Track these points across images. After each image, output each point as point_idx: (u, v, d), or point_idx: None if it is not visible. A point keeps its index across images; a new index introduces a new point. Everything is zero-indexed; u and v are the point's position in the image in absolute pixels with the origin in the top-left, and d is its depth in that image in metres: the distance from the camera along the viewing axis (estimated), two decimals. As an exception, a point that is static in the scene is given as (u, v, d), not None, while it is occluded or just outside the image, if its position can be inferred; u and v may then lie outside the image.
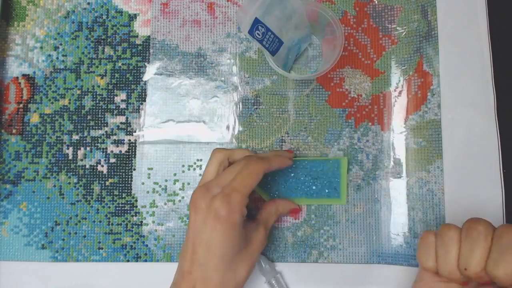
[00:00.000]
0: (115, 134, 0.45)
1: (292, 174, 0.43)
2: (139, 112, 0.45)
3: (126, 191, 0.44)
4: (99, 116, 0.45)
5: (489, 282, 0.29)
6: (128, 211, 0.44)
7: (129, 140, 0.45)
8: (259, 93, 0.45)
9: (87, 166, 0.45)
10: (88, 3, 0.47)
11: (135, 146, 0.45)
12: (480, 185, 0.41)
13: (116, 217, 0.44)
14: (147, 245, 0.44)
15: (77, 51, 0.46)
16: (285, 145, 0.45)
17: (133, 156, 0.45)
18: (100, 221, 0.44)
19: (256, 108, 0.45)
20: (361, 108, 0.45)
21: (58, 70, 0.46)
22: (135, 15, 0.46)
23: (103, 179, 0.45)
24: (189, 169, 0.45)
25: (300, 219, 0.44)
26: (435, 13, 0.44)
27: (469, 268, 0.28)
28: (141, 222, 0.44)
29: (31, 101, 0.45)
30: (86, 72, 0.46)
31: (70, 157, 0.45)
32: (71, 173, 0.45)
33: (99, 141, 0.45)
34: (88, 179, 0.45)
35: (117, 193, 0.45)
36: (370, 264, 0.43)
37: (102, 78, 0.46)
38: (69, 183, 0.45)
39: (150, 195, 0.44)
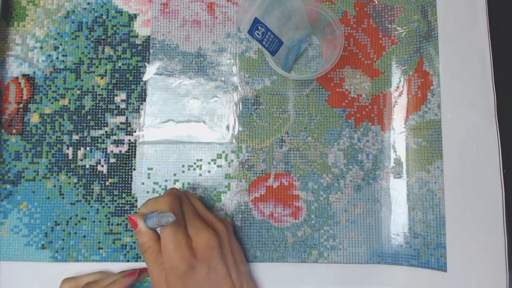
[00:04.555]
0: (115, 134, 0.45)
1: None
2: (139, 112, 0.45)
3: (126, 191, 0.44)
4: (99, 116, 0.45)
5: None
6: (128, 211, 0.44)
7: (129, 140, 0.45)
8: (259, 93, 0.45)
9: (87, 166, 0.45)
10: (88, 3, 0.47)
11: (135, 146, 0.45)
12: (480, 185, 0.41)
13: (116, 217, 0.44)
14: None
15: (77, 51, 0.46)
16: (285, 145, 0.45)
17: (133, 156, 0.45)
18: (100, 221, 0.44)
19: (256, 108, 0.45)
20: (361, 108, 0.45)
21: (58, 70, 0.46)
22: (135, 15, 0.46)
23: (103, 179, 0.45)
24: (189, 169, 0.45)
25: (300, 219, 0.44)
26: (435, 13, 0.44)
27: None
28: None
29: (31, 101, 0.45)
30: (86, 72, 0.46)
31: (70, 157, 0.45)
32: (71, 173, 0.45)
33: (99, 141, 0.45)
34: (88, 179, 0.45)
35: (117, 193, 0.45)
36: (370, 264, 0.43)
37: (102, 78, 0.46)
38: (69, 183, 0.45)
39: (150, 195, 0.44)
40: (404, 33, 0.45)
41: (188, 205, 0.39)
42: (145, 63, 0.46)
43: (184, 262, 0.35)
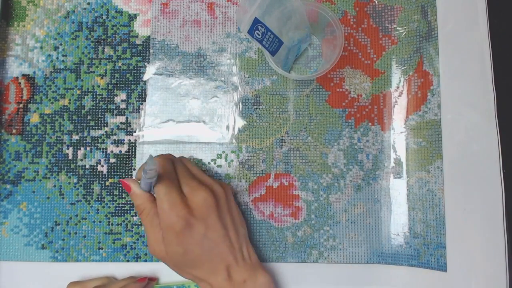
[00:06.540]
0: (115, 134, 0.45)
1: None
2: (139, 112, 0.45)
3: (126, 191, 0.44)
4: (99, 116, 0.45)
5: None
6: (128, 211, 0.44)
7: (129, 140, 0.45)
8: (259, 93, 0.45)
9: (87, 166, 0.45)
10: (88, 3, 0.47)
11: (135, 146, 0.45)
12: (480, 185, 0.41)
13: (116, 217, 0.44)
14: (147, 245, 0.44)
15: (77, 51, 0.46)
16: (285, 145, 0.45)
17: (133, 156, 0.45)
18: (100, 221, 0.44)
19: (256, 108, 0.45)
20: (361, 108, 0.45)
21: (58, 70, 0.46)
22: (135, 15, 0.46)
23: (103, 179, 0.45)
24: (189, 169, 0.45)
25: (300, 219, 0.44)
26: (435, 13, 0.44)
27: None
28: (141, 222, 0.44)
29: (31, 101, 0.45)
30: (86, 72, 0.46)
31: (70, 157, 0.45)
32: (71, 173, 0.45)
33: (99, 141, 0.45)
34: (88, 179, 0.45)
35: (117, 193, 0.45)
36: (370, 264, 0.43)
37: (102, 78, 0.46)
38: (69, 183, 0.45)
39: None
40: (404, 33, 0.45)
41: (182, 166, 0.38)
42: (145, 63, 0.46)
43: (180, 219, 0.35)
